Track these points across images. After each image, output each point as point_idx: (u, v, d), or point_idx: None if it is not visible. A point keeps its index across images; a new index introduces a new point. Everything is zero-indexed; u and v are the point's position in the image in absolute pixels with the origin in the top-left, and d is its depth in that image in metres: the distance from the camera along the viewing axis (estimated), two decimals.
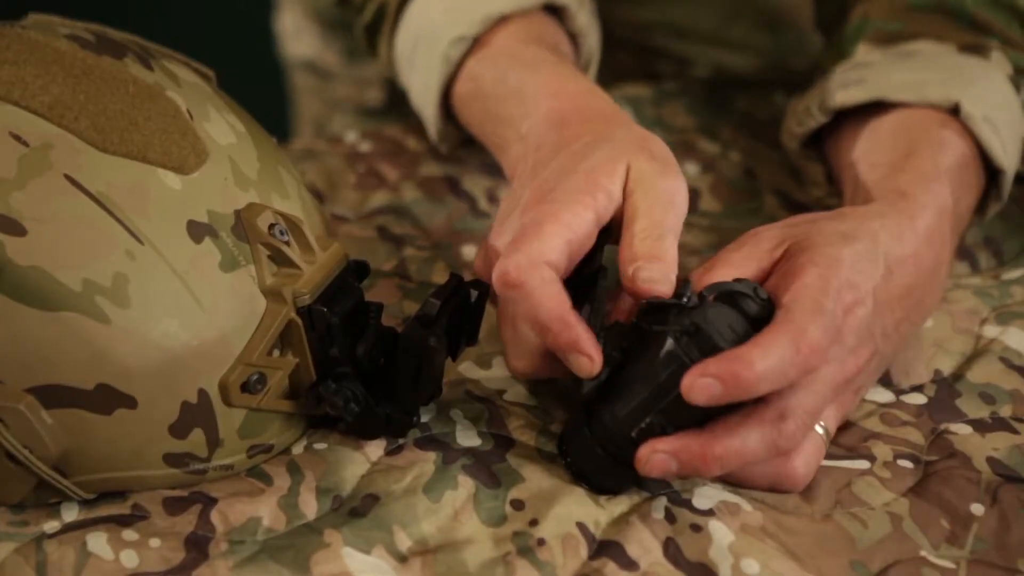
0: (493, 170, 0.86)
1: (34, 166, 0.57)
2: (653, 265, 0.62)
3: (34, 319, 0.57)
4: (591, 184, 0.64)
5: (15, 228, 0.56)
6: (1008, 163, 0.74)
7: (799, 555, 0.61)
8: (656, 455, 0.58)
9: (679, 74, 1.06)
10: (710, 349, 0.57)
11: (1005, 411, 0.69)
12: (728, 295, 0.59)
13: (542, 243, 0.61)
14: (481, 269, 0.68)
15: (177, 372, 0.59)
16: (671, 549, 0.61)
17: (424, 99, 0.82)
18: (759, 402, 0.58)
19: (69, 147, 0.58)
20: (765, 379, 0.56)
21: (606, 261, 0.65)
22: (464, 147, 0.85)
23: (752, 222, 0.83)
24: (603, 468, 0.62)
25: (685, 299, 0.59)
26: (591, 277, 0.64)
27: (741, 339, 0.58)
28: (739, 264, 0.63)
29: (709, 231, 0.83)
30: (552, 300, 0.60)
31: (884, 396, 0.70)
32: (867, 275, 0.63)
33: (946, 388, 0.70)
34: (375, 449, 0.65)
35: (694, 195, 0.86)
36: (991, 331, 0.74)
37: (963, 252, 0.81)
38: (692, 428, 0.59)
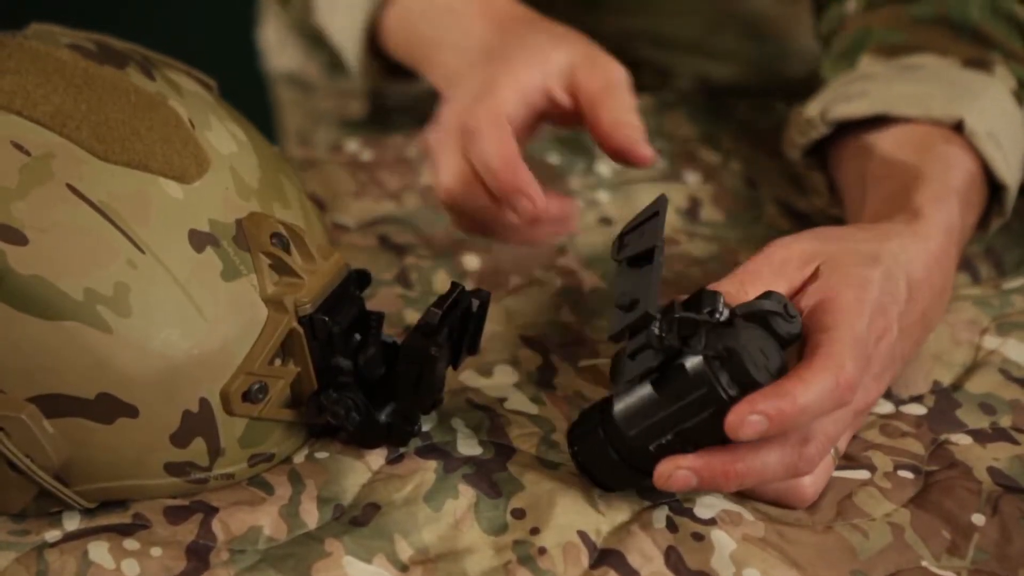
0: None
1: (36, 175, 0.57)
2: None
3: (35, 328, 0.57)
4: (540, 52, 0.71)
5: (17, 237, 0.56)
6: (1011, 179, 0.74)
7: (801, 565, 0.60)
8: (679, 472, 0.58)
9: (661, 85, 1.05)
10: (741, 374, 0.57)
11: (1005, 421, 0.69)
12: (759, 315, 0.59)
13: (496, 96, 0.68)
14: (433, 142, 0.72)
15: (178, 381, 0.59)
16: (672, 558, 0.61)
17: (347, 34, 0.84)
18: None
19: (71, 156, 0.58)
20: (806, 413, 0.57)
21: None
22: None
23: (754, 231, 0.84)
24: (612, 470, 0.62)
25: (718, 315, 0.59)
26: (648, 253, 0.62)
27: (771, 363, 0.58)
28: (768, 279, 0.63)
29: (711, 240, 0.83)
30: (502, 146, 0.66)
31: (884, 407, 0.70)
32: (893, 299, 0.63)
33: (946, 399, 0.70)
34: (376, 458, 0.65)
35: (695, 205, 0.86)
36: (991, 342, 0.74)
37: (964, 262, 0.81)
38: (714, 446, 0.59)
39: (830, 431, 0.60)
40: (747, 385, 0.57)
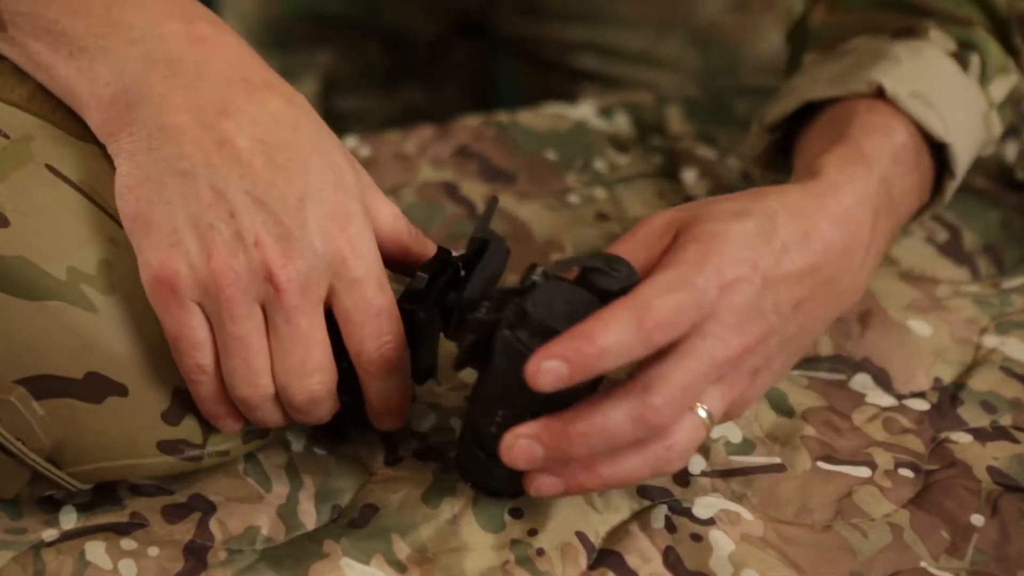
0: (492, 176, 0.86)
1: (15, 158, 0.57)
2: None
3: (20, 309, 0.56)
4: None
5: None
6: (952, 137, 0.71)
7: (799, 565, 0.60)
8: (519, 442, 0.56)
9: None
10: (542, 331, 0.54)
11: (1005, 420, 0.69)
12: (583, 272, 0.57)
13: None
14: None
15: (167, 358, 0.58)
16: (671, 558, 0.60)
17: None
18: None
19: (49, 137, 0.58)
20: (609, 353, 0.53)
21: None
22: (460, 155, 0.85)
23: None
24: (488, 471, 0.61)
25: (531, 282, 0.57)
26: (482, 248, 0.61)
27: (582, 315, 0.55)
28: (628, 253, 0.61)
29: None
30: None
31: (886, 400, 0.70)
32: (756, 251, 0.59)
33: (948, 396, 0.70)
34: (374, 459, 0.65)
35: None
36: (991, 341, 0.74)
37: (963, 258, 0.81)
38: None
39: (677, 379, 0.56)
40: (548, 335, 0.54)
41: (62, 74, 0.59)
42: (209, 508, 0.62)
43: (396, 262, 0.63)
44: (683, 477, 0.65)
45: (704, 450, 0.66)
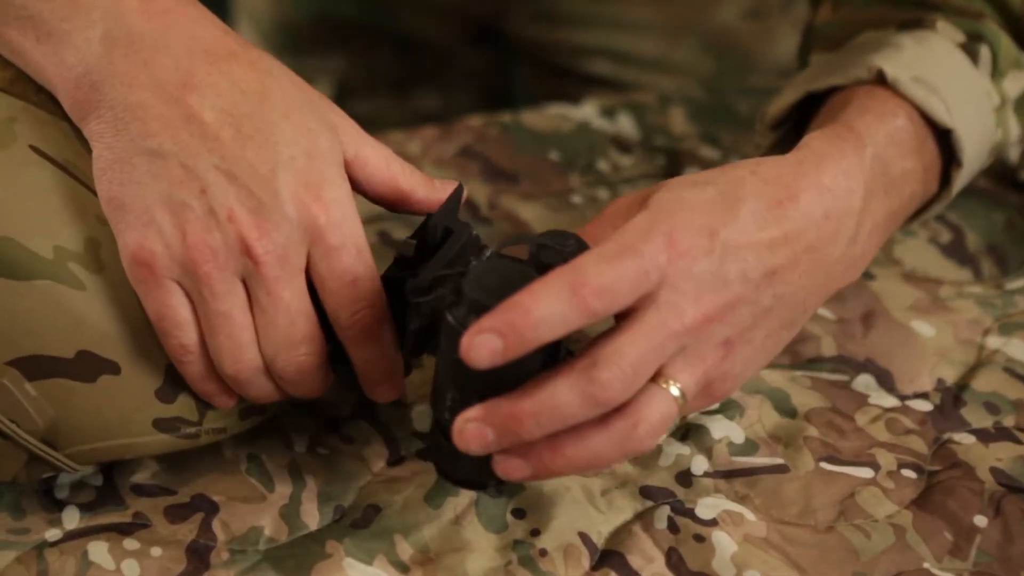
0: (495, 177, 0.86)
1: None
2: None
3: (8, 290, 0.56)
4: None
5: None
6: (956, 123, 0.69)
7: (802, 566, 0.60)
8: (468, 425, 0.54)
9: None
10: (478, 307, 0.53)
11: (1009, 421, 0.69)
12: (533, 249, 0.56)
13: None
14: None
15: (156, 335, 0.58)
16: (674, 559, 0.60)
17: None
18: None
19: (32, 119, 0.58)
20: (543, 323, 0.52)
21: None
22: (463, 156, 0.85)
23: None
24: (450, 458, 0.59)
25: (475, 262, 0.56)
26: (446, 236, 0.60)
27: (517, 289, 0.53)
28: (596, 232, 0.60)
29: None
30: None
31: (889, 401, 0.70)
32: (714, 216, 0.57)
33: (951, 397, 0.70)
34: (377, 460, 0.65)
35: None
36: (994, 342, 0.74)
37: (967, 259, 0.81)
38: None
39: (627, 352, 0.54)
40: (481, 311, 0.53)
41: (33, 59, 0.59)
42: (212, 508, 0.62)
43: (397, 205, 0.62)
44: (686, 478, 0.65)
45: (707, 451, 0.66)
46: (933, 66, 0.70)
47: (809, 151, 0.63)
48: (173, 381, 0.59)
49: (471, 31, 1.14)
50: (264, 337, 0.57)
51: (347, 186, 0.58)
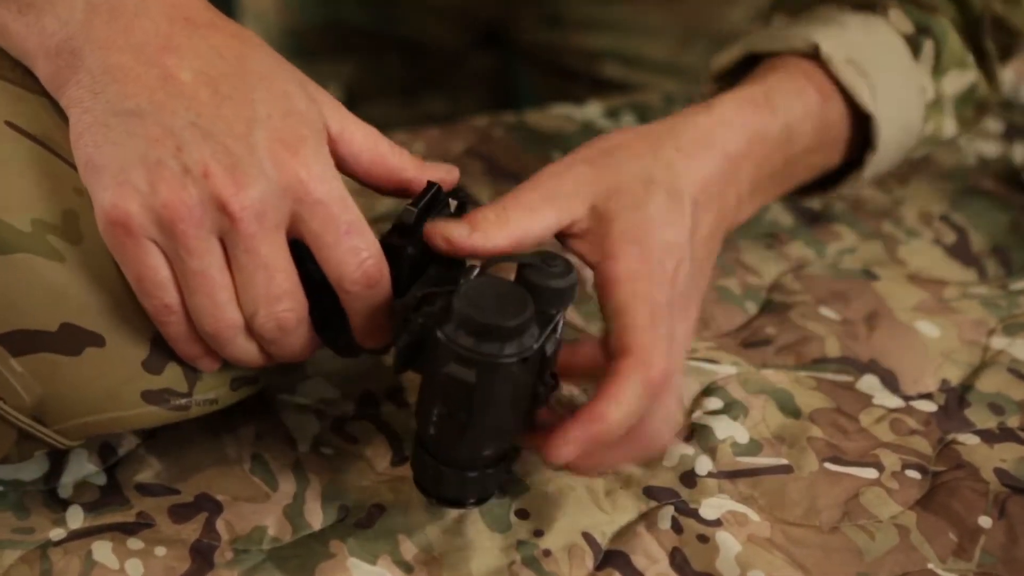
0: (499, 177, 0.86)
1: None
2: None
3: None
4: None
5: None
6: (878, 110, 0.70)
7: (806, 567, 0.60)
8: (567, 447, 0.57)
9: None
10: (468, 323, 0.54)
11: (1013, 422, 0.69)
12: (522, 268, 0.57)
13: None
14: None
15: (141, 306, 0.57)
16: (678, 559, 0.60)
17: None
18: None
19: (7, 94, 0.58)
20: (623, 423, 0.57)
21: None
22: (467, 156, 0.85)
23: (756, 227, 0.83)
24: (435, 476, 0.59)
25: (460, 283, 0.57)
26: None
27: (509, 307, 0.55)
28: (537, 207, 0.60)
29: None
30: None
31: (893, 401, 0.70)
32: (678, 228, 0.60)
33: (955, 397, 0.70)
34: (381, 459, 0.65)
35: None
36: (999, 343, 0.74)
37: (971, 260, 0.81)
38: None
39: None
40: (473, 327, 0.54)
41: (13, 30, 0.58)
42: (216, 508, 0.62)
43: (386, 184, 0.61)
44: (690, 478, 0.65)
45: (711, 451, 0.66)
46: (871, 51, 0.71)
47: (716, 110, 0.66)
48: (160, 352, 0.58)
49: (479, 35, 1.14)
50: (243, 294, 0.56)
51: (325, 148, 0.58)
